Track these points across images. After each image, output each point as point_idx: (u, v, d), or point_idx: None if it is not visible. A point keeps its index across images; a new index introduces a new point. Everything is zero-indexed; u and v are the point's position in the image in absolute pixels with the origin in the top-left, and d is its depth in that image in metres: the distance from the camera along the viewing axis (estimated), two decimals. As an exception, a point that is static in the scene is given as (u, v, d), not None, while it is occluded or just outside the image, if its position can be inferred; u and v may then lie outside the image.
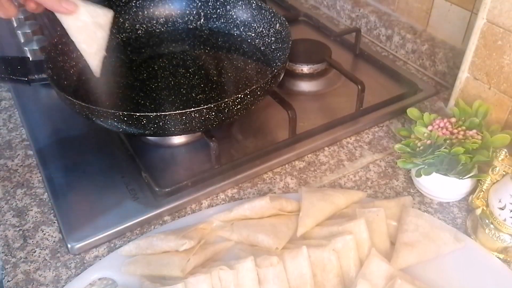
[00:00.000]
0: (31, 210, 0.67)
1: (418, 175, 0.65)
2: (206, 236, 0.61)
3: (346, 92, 0.87)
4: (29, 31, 0.98)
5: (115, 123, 0.64)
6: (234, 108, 0.66)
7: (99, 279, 0.59)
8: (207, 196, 0.69)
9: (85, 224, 0.64)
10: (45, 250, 0.62)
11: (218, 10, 0.90)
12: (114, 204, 0.66)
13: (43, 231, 0.65)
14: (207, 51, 0.86)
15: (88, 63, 0.66)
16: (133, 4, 0.89)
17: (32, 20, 1.02)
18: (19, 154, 0.76)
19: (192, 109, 0.62)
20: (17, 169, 0.74)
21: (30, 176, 0.73)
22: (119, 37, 0.88)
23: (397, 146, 0.68)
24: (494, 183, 0.61)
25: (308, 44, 0.94)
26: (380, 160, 0.75)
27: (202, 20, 0.92)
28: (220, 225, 0.62)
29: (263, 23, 0.86)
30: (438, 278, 0.56)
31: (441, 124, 0.67)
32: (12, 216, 0.66)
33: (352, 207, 0.63)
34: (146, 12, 0.90)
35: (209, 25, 0.92)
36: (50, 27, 1.01)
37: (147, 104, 0.74)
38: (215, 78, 0.79)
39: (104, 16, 0.65)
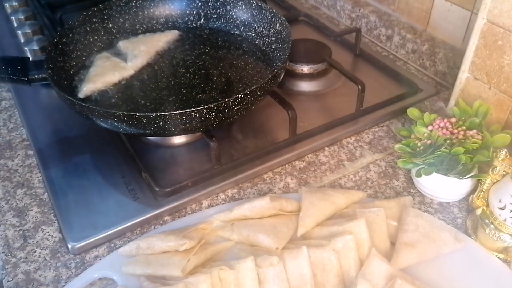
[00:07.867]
0: (31, 210, 0.67)
1: (418, 175, 0.65)
2: (206, 236, 0.61)
3: (346, 92, 0.87)
4: (29, 31, 0.98)
5: (115, 123, 0.64)
6: (234, 108, 0.66)
7: (99, 279, 0.59)
8: (207, 196, 0.69)
9: (85, 224, 0.64)
10: (45, 250, 0.62)
11: (218, 10, 0.90)
12: (114, 204, 0.66)
13: (43, 231, 0.65)
14: (207, 51, 0.86)
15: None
16: (133, 4, 0.89)
17: (32, 20, 1.02)
18: (19, 154, 0.76)
19: (192, 109, 0.62)
20: (17, 169, 0.74)
21: (30, 176, 0.72)
22: (119, 37, 0.88)
23: (397, 146, 0.68)
24: (494, 183, 0.61)
25: (308, 44, 0.94)
26: (380, 160, 0.75)
27: (202, 20, 0.92)
28: (220, 225, 0.62)
29: (263, 23, 0.85)
30: (438, 278, 0.56)
31: (441, 124, 0.67)
32: (12, 216, 0.66)
33: (352, 207, 0.63)
34: (146, 12, 0.90)
35: (209, 25, 0.91)
36: (50, 27, 1.01)
37: (147, 104, 0.74)
38: (215, 78, 0.79)
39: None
